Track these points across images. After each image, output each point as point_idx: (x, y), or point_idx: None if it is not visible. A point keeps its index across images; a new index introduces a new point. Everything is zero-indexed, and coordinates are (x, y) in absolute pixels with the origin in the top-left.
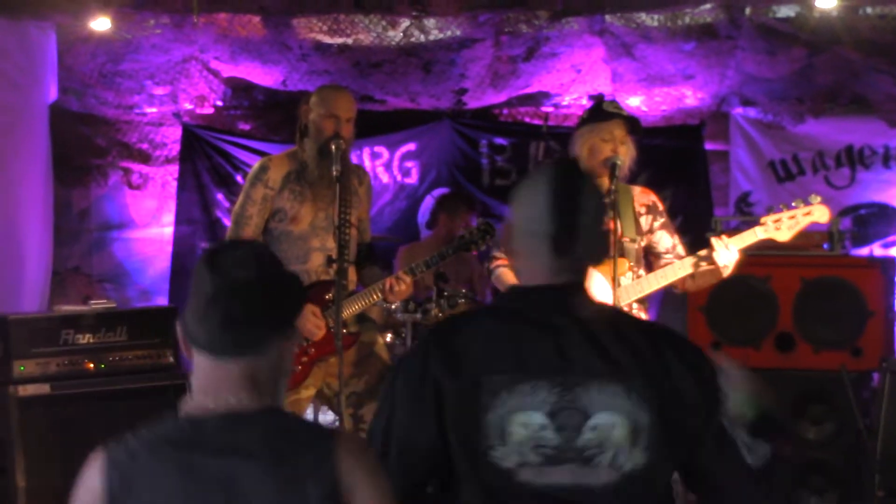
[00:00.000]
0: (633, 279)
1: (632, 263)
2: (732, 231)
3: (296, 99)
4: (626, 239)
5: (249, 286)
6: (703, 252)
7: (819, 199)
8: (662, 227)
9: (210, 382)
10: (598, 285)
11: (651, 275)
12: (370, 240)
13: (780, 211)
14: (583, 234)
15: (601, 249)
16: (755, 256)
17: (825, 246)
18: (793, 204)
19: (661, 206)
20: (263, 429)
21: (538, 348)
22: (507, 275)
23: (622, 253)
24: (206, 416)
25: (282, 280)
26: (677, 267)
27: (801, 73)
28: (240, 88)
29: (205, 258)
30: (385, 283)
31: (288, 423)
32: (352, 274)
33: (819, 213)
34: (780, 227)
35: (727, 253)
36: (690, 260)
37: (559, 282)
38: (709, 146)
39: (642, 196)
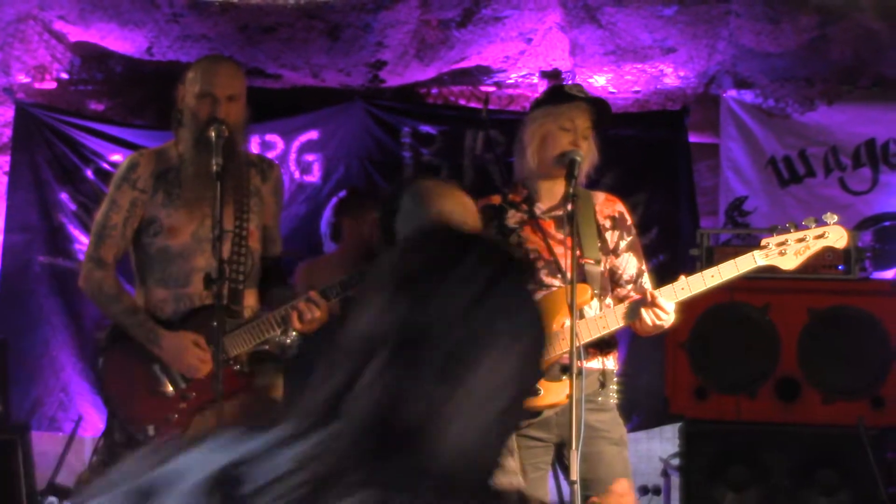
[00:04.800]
0: (600, 310)
1: (596, 291)
2: (722, 247)
3: (164, 72)
4: (588, 261)
5: None
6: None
7: (836, 218)
8: (630, 248)
9: None
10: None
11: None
12: (279, 254)
13: (787, 231)
14: None
15: None
16: (751, 280)
17: (840, 268)
18: (803, 223)
19: (629, 220)
20: None
21: None
22: None
23: (583, 278)
24: None
25: None
26: (609, 317)
27: (812, 46)
28: (91, 57)
29: None
30: (296, 306)
31: None
32: (250, 298)
33: (835, 237)
34: (786, 251)
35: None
36: (622, 308)
37: None
38: (693, 138)
39: (606, 205)
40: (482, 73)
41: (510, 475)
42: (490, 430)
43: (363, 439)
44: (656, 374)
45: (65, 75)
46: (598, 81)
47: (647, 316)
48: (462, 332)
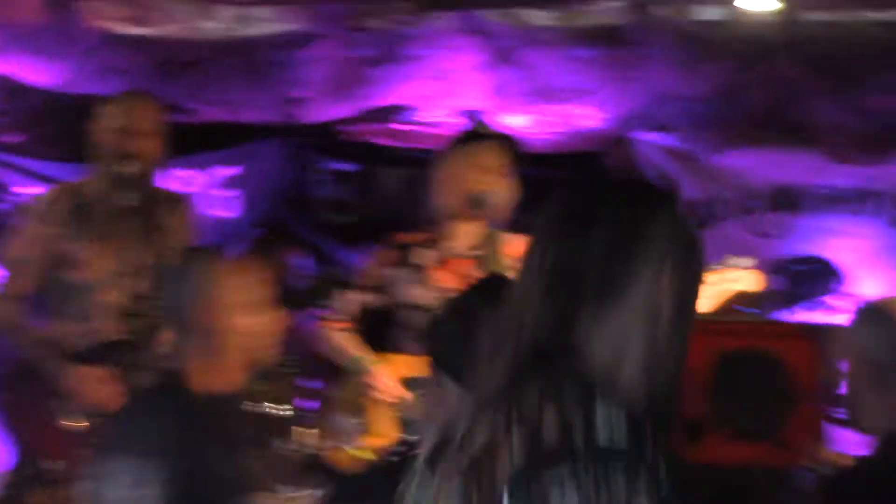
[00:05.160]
0: None
1: None
2: None
3: (82, 105)
4: None
5: None
6: None
7: (751, 262)
8: None
9: None
10: None
11: None
12: None
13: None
14: None
15: None
16: None
17: (749, 310)
18: (717, 265)
19: None
20: None
21: None
22: (341, 341)
23: None
24: None
25: None
26: None
27: (727, 92)
28: (8, 89)
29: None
30: None
31: None
32: (167, 333)
33: (749, 280)
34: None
35: None
36: None
37: None
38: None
39: (513, 245)
40: (399, 111)
41: None
42: (651, 350)
43: (533, 360)
44: None
45: None
46: (516, 122)
47: None
48: (608, 265)
